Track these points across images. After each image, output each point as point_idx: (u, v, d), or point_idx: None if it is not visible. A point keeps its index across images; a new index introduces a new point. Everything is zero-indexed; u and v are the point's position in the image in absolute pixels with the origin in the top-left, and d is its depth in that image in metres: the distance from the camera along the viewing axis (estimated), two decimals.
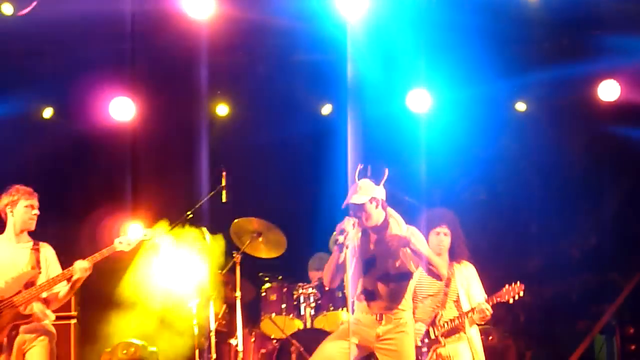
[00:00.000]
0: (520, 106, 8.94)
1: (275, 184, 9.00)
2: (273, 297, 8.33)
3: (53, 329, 6.19)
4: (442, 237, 6.41)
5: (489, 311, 6.23)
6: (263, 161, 9.03)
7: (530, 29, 8.19)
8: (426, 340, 6.22)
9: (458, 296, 6.35)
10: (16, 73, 8.34)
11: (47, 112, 8.91)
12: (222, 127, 9.09)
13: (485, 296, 6.36)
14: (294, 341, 7.82)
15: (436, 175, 8.69)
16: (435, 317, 6.28)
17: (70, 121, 8.71)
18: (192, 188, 8.72)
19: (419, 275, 6.16)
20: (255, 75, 8.81)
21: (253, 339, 8.48)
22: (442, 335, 6.23)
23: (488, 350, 7.85)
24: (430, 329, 6.25)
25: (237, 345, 8.10)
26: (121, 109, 8.61)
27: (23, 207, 6.15)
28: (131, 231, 6.24)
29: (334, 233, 5.69)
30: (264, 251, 8.38)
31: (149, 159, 8.91)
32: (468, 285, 6.40)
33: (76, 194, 9.19)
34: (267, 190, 8.91)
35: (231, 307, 8.53)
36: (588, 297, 8.99)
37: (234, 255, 8.23)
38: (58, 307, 6.27)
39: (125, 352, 7.77)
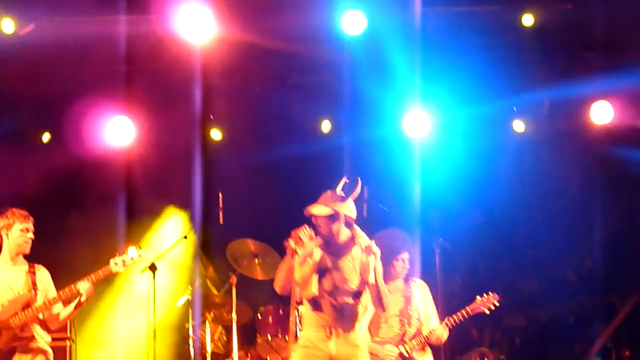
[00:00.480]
0: (518, 126, 8.92)
1: (272, 205, 8.98)
2: (269, 319, 8.31)
3: (49, 350, 6.20)
4: (407, 263, 6.42)
5: (444, 337, 6.30)
6: (259, 183, 9.01)
7: (525, 51, 8.21)
8: None
9: (419, 313, 6.38)
10: (12, 95, 8.34)
11: (45, 137, 8.86)
12: (218, 149, 9.06)
13: (437, 318, 6.39)
14: None
15: (433, 197, 8.69)
16: (404, 335, 6.27)
17: (65, 144, 8.67)
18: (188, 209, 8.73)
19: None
20: (251, 97, 8.81)
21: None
22: (412, 351, 6.22)
23: None
24: (401, 347, 6.23)
25: None
26: (117, 132, 8.59)
27: (18, 231, 6.15)
28: (126, 252, 6.25)
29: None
30: (260, 273, 8.38)
31: (145, 181, 8.89)
32: (425, 304, 6.43)
33: (72, 217, 9.16)
34: (264, 212, 8.90)
35: (227, 329, 8.53)
36: (584, 320, 8.97)
37: (230, 276, 8.25)
38: (58, 327, 6.32)
39: None
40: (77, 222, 9.13)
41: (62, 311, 6.19)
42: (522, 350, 9.29)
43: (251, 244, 8.31)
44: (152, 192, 8.91)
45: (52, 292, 6.20)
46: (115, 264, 6.19)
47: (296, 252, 5.60)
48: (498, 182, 9.10)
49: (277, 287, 5.81)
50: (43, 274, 6.26)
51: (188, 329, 8.42)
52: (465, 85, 8.41)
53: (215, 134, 9.17)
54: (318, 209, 5.68)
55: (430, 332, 6.23)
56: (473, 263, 8.85)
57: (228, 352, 8.46)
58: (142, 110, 8.63)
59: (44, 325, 6.20)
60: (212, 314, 8.37)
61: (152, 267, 7.68)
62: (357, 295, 5.70)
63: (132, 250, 6.27)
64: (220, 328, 8.65)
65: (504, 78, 8.30)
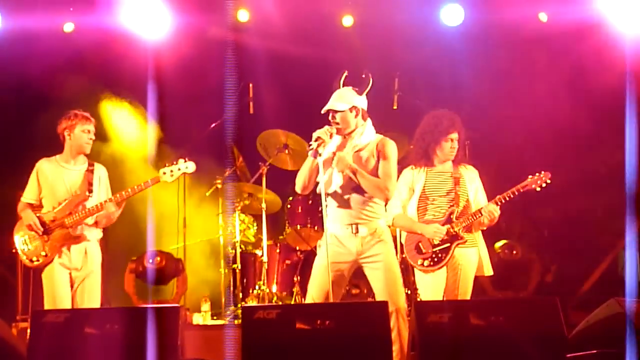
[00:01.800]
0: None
1: (303, 96, 8.90)
2: (298, 209, 8.35)
3: (98, 248, 6.53)
4: (455, 143, 6.32)
5: (497, 212, 6.18)
6: (290, 73, 8.90)
7: None
8: (446, 237, 6.17)
9: (468, 197, 6.30)
10: None
11: (68, 27, 8.73)
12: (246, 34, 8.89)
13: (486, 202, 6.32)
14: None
15: (464, 90, 8.56)
16: (451, 214, 6.22)
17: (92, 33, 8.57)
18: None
19: (427, 178, 6.23)
20: None
21: (278, 250, 8.55)
22: (462, 230, 6.19)
23: (512, 264, 7.88)
24: (449, 226, 6.19)
25: (262, 256, 8.19)
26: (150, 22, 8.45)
27: (80, 132, 6.44)
28: (176, 163, 6.47)
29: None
30: (290, 163, 8.38)
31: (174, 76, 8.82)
32: (476, 189, 6.36)
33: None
34: (295, 102, 8.82)
35: (257, 218, 8.59)
36: (613, 213, 8.91)
37: (260, 166, 8.26)
38: (106, 225, 6.59)
39: (151, 261, 7.85)
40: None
41: (114, 212, 6.43)
42: (550, 242, 9.30)
43: (282, 135, 8.29)
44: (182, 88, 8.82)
45: (108, 191, 6.50)
46: (164, 173, 6.44)
47: (318, 152, 5.66)
48: (529, 75, 8.93)
49: (299, 186, 5.88)
50: (101, 173, 6.54)
51: (218, 218, 8.50)
52: None
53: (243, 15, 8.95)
54: (338, 105, 5.76)
55: (482, 210, 6.18)
56: (503, 155, 8.77)
57: (257, 242, 8.55)
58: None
59: (97, 224, 6.48)
60: (241, 203, 8.43)
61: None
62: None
63: (181, 161, 6.48)
64: (249, 218, 8.71)
65: None
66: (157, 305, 6.75)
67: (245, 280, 8.52)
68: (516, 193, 6.26)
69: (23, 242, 6.36)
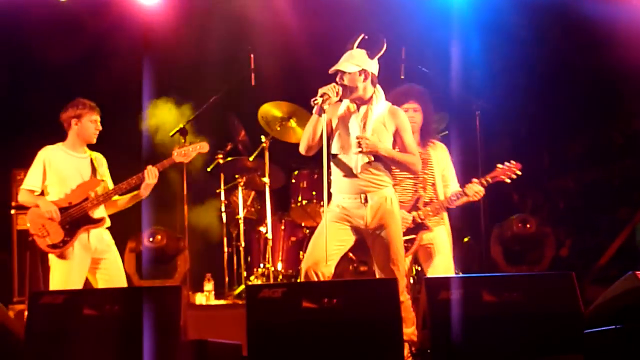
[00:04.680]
0: None
1: (307, 67, 8.72)
2: (303, 184, 8.21)
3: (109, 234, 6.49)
4: (412, 112, 6.13)
5: (481, 193, 6.08)
6: (293, 43, 8.72)
7: None
8: (412, 226, 6.06)
9: (435, 180, 6.18)
10: None
11: None
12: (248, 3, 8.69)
13: (457, 182, 6.23)
14: None
15: (474, 57, 8.38)
16: (417, 201, 6.10)
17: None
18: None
19: None
20: None
21: (283, 227, 8.44)
22: (427, 219, 6.07)
23: (526, 238, 7.75)
24: (415, 214, 6.07)
25: (266, 233, 8.07)
26: None
27: (88, 122, 6.42)
28: (189, 143, 6.54)
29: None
30: (294, 136, 8.21)
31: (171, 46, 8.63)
32: (443, 170, 6.23)
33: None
34: (298, 73, 8.64)
35: (260, 194, 8.45)
36: (630, 184, 8.77)
37: (262, 140, 8.11)
38: (113, 212, 6.57)
39: (151, 239, 7.73)
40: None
41: (120, 200, 6.49)
42: (565, 215, 9.16)
43: (284, 106, 8.12)
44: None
45: (110, 181, 6.52)
46: (177, 154, 6.46)
47: (323, 109, 5.48)
48: (542, 42, 8.75)
49: (303, 147, 5.68)
50: (102, 161, 6.56)
51: (219, 194, 8.35)
52: None
53: None
54: (347, 66, 5.55)
55: (465, 190, 6.06)
56: (516, 125, 8.62)
57: (261, 218, 8.41)
58: None
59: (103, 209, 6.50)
60: (244, 178, 8.28)
61: (183, 131, 7.57)
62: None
63: (204, 143, 6.53)
64: (253, 193, 8.57)
65: None
66: (158, 285, 6.67)
67: (249, 259, 8.41)
68: (485, 184, 6.10)
69: (40, 229, 6.27)
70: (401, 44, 8.19)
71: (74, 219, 6.27)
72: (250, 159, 8.32)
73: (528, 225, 7.70)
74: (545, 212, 9.06)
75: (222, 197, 8.30)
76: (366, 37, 5.60)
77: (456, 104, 7.70)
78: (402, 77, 8.12)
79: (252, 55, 8.19)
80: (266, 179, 8.06)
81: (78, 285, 6.22)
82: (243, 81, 8.10)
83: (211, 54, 8.57)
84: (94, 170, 6.43)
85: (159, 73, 8.31)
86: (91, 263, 6.31)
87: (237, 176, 8.25)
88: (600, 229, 8.95)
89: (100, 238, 6.36)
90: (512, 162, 6.16)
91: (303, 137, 5.68)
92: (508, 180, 6.15)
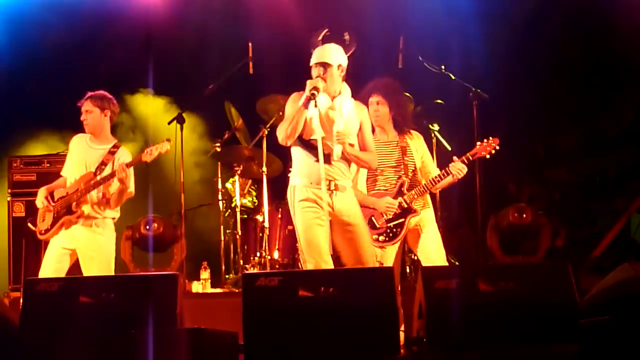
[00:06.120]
0: None
1: (305, 56, 8.70)
2: None
3: (107, 226, 6.52)
4: (376, 106, 6.21)
5: (464, 169, 6.11)
6: (292, 32, 8.69)
7: None
8: (399, 211, 6.09)
9: (415, 166, 6.24)
10: None
11: None
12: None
13: (436, 168, 6.31)
14: None
15: (472, 48, 8.36)
16: (401, 186, 6.14)
17: None
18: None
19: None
20: None
21: (280, 215, 8.40)
22: (413, 203, 6.11)
23: (522, 228, 7.74)
24: (401, 199, 6.10)
25: (263, 222, 8.04)
26: None
27: (99, 114, 6.51)
28: (159, 144, 6.48)
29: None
30: None
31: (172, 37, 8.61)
32: (422, 156, 6.30)
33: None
34: (296, 63, 8.61)
35: (257, 183, 8.42)
36: (626, 174, 8.78)
37: (260, 129, 8.08)
38: (110, 207, 6.56)
39: (148, 227, 7.70)
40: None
41: (112, 197, 6.48)
42: (561, 205, 9.16)
43: (281, 99, 8.08)
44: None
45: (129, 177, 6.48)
46: (145, 152, 6.45)
47: (311, 99, 5.53)
48: (539, 32, 8.73)
49: (284, 137, 5.69)
50: (122, 155, 6.55)
51: (216, 182, 8.33)
52: None
53: None
54: (332, 59, 5.66)
55: (449, 169, 6.10)
56: (513, 115, 8.62)
57: (258, 207, 8.39)
58: None
59: (108, 203, 6.50)
60: (241, 167, 8.25)
61: (180, 119, 7.55)
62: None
63: (166, 143, 6.49)
64: (250, 182, 8.55)
65: None
66: (155, 273, 6.65)
67: (246, 247, 8.38)
68: (465, 162, 6.13)
69: (40, 216, 6.50)
70: (399, 33, 8.19)
71: (60, 209, 6.38)
72: (248, 147, 8.31)
73: (524, 215, 7.67)
74: (542, 203, 9.07)
75: (219, 186, 8.28)
76: (328, 32, 5.70)
77: (454, 94, 7.69)
78: (400, 66, 8.13)
79: (250, 44, 8.16)
80: (264, 168, 8.04)
81: (59, 273, 6.27)
82: (241, 69, 8.08)
83: (209, 42, 8.55)
84: (102, 163, 6.45)
85: (157, 62, 8.28)
86: (70, 257, 6.40)
87: (234, 164, 8.22)
88: (595, 219, 8.97)
89: (86, 232, 6.40)
90: (491, 138, 6.18)
91: (284, 127, 5.68)
92: (488, 156, 6.22)
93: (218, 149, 8.19)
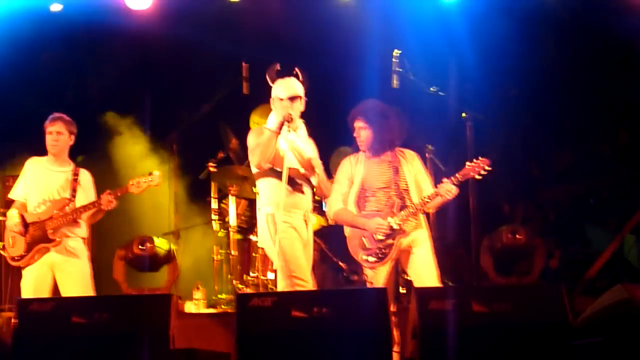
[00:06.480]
0: None
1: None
2: None
3: (81, 251, 6.45)
4: (358, 132, 6.22)
5: (454, 191, 6.02)
6: (286, 52, 8.70)
7: None
8: (390, 232, 6.02)
9: (407, 186, 6.16)
10: None
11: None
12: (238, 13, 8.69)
13: (431, 186, 6.21)
14: (315, 237, 7.67)
15: (465, 68, 8.39)
16: (392, 207, 6.07)
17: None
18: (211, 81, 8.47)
19: (366, 168, 6.14)
20: None
21: None
22: (404, 224, 6.05)
23: (516, 249, 7.75)
24: (391, 220, 6.04)
25: (257, 242, 8.01)
26: None
27: (48, 134, 6.42)
28: (147, 175, 6.42)
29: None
30: None
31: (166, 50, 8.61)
32: (415, 175, 6.22)
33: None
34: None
35: (252, 203, 8.42)
36: (620, 195, 8.78)
37: None
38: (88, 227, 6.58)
39: (141, 247, 7.69)
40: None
41: (84, 216, 6.42)
42: (555, 226, 9.15)
43: None
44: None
45: (90, 196, 6.46)
46: (132, 184, 6.37)
47: (285, 123, 5.81)
48: (533, 54, 8.76)
49: (256, 162, 5.93)
50: (84, 178, 6.52)
51: (209, 202, 8.32)
52: None
53: None
54: (300, 90, 5.98)
55: (438, 191, 6.01)
56: (507, 136, 8.64)
57: (252, 226, 8.38)
58: None
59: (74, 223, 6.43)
60: (235, 187, 8.24)
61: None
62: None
63: (155, 174, 6.42)
64: (244, 202, 8.54)
65: None
66: (148, 294, 6.64)
67: (239, 267, 8.34)
68: (455, 182, 6.07)
69: (7, 240, 6.41)
70: (393, 53, 8.21)
71: (35, 236, 6.30)
72: (242, 167, 8.30)
73: (518, 236, 7.69)
74: (536, 223, 9.07)
75: (213, 206, 8.27)
76: (279, 68, 5.84)
77: (449, 114, 7.70)
78: (395, 86, 8.14)
79: (244, 64, 8.18)
80: (256, 188, 8.02)
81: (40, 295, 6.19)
82: (235, 90, 8.10)
83: (203, 62, 8.56)
84: (72, 188, 6.40)
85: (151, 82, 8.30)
86: (53, 279, 6.33)
87: (228, 184, 8.21)
88: (589, 240, 8.96)
89: (63, 253, 6.33)
90: (480, 158, 6.16)
91: (257, 153, 5.88)
92: (478, 177, 6.12)
93: (212, 169, 8.18)
